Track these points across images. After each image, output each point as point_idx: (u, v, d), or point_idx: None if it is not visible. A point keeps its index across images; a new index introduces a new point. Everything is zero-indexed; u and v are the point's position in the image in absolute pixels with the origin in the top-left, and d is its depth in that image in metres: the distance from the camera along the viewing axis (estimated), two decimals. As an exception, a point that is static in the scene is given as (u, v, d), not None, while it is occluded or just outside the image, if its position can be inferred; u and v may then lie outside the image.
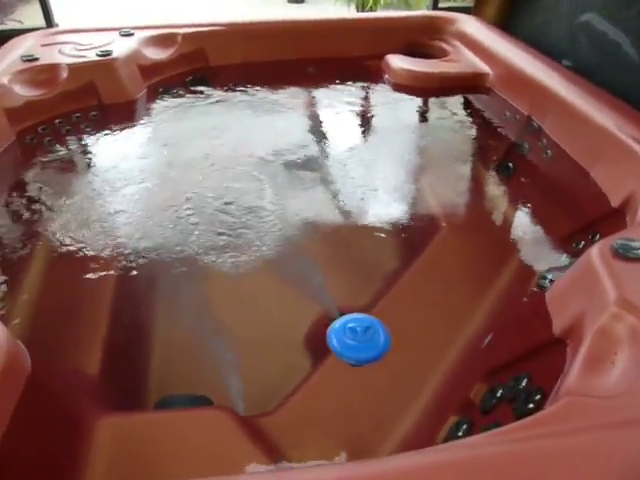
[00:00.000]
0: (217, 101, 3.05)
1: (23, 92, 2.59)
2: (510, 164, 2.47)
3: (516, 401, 1.32)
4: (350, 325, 1.61)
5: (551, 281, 1.76)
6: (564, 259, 1.88)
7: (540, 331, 1.47)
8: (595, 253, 1.39)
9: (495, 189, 2.40)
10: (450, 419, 1.42)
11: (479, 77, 2.99)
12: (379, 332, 1.60)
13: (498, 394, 1.40)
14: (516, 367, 1.44)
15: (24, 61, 2.71)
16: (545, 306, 1.53)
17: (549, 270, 1.83)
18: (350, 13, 7.32)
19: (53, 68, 2.72)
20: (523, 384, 1.36)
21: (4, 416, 1.13)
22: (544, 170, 2.36)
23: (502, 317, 1.72)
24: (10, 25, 4.88)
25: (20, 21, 6.66)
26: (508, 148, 2.57)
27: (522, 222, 2.17)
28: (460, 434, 1.37)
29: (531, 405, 1.27)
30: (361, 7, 7.14)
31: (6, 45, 2.90)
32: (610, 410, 0.95)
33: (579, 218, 2.00)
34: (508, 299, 1.80)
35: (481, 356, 1.60)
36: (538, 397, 1.27)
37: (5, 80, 2.52)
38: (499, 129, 2.72)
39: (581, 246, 1.88)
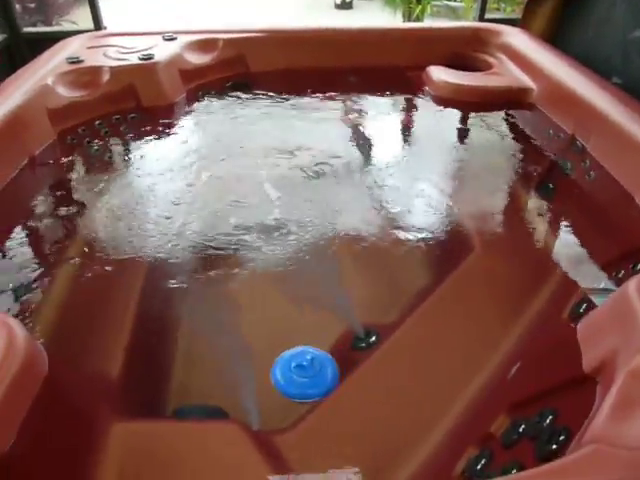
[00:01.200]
0: (256, 107, 3.06)
1: (66, 93, 2.66)
2: (551, 184, 2.38)
3: (539, 439, 1.26)
4: (295, 362, 1.52)
5: (586, 310, 1.68)
6: (602, 287, 1.79)
7: (570, 365, 1.40)
8: (633, 287, 1.31)
9: (534, 210, 2.31)
10: (469, 450, 1.36)
11: (523, 92, 2.90)
12: (327, 367, 1.53)
13: (520, 429, 1.33)
14: (542, 402, 1.37)
15: (69, 63, 2.78)
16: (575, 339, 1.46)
17: (585, 299, 1.74)
18: (395, 22, 7.28)
19: (96, 70, 2.78)
20: (548, 421, 1.29)
21: (19, 415, 1.14)
22: (586, 192, 2.27)
23: (531, 346, 1.64)
24: (64, 26, 5.06)
25: (74, 22, 6.90)
26: (550, 167, 2.47)
27: (559, 246, 2.08)
28: (478, 468, 1.31)
29: (554, 446, 1.20)
30: (407, 15, 7.07)
31: (54, 47, 2.98)
32: (637, 465, 0.88)
33: (621, 245, 1.90)
34: (539, 327, 1.71)
35: (506, 386, 1.53)
36: (562, 438, 1.21)
37: (49, 81, 2.58)
38: (541, 147, 2.63)
39: (621, 275, 1.79)
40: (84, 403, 1.41)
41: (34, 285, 1.77)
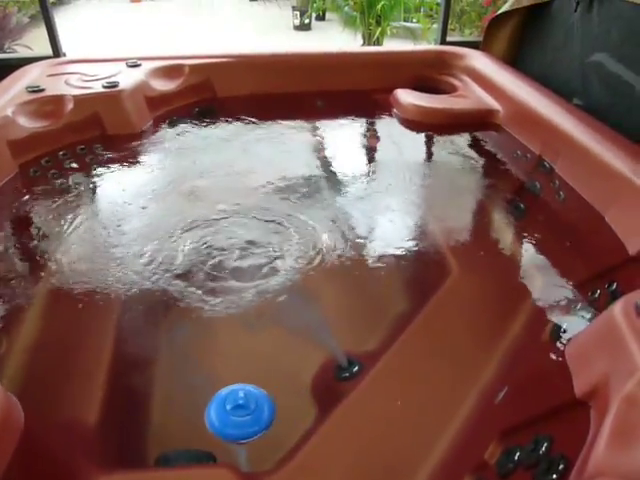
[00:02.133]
0: (223, 133, 3.03)
1: (27, 124, 2.56)
2: (521, 205, 2.41)
3: (537, 468, 1.25)
4: (230, 402, 1.46)
5: (565, 331, 1.69)
6: (579, 308, 1.82)
7: (560, 389, 1.40)
8: (618, 310, 1.33)
9: (506, 231, 2.34)
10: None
11: (489, 114, 2.97)
12: (262, 403, 1.48)
13: (515, 457, 1.32)
14: (535, 428, 1.36)
15: (29, 92, 2.69)
16: (564, 361, 1.47)
17: (563, 320, 1.76)
18: (354, 44, 7.39)
19: (58, 99, 2.70)
20: (543, 449, 1.28)
21: None
22: (557, 212, 2.31)
23: (517, 370, 1.64)
24: (19, 52, 4.93)
25: (28, 46, 6.74)
26: (519, 188, 2.52)
27: (534, 267, 2.09)
28: (475, 500, 1.29)
29: (554, 475, 1.19)
30: (367, 37, 7.19)
31: (12, 75, 2.89)
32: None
33: (594, 265, 1.93)
34: (522, 350, 1.71)
35: (496, 413, 1.52)
36: (561, 467, 1.20)
37: (9, 112, 2.49)
38: (509, 168, 2.68)
39: (597, 295, 1.82)
40: (63, 456, 1.33)
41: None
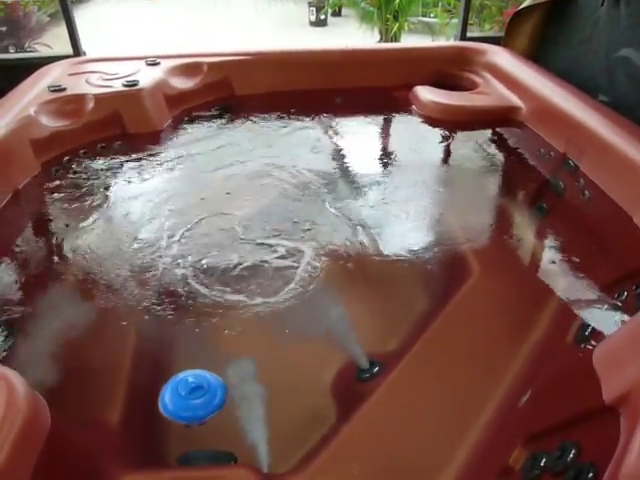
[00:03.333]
0: (242, 131, 3.02)
1: (49, 123, 2.58)
2: (544, 205, 2.37)
3: (564, 476, 1.22)
4: (182, 386, 1.49)
5: (591, 334, 1.66)
6: (605, 310, 1.78)
7: (587, 394, 1.37)
8: (652, 314, 1.30)
9: (529, 231, 2.30)
10: (488, 487, 1.32)
11: (511, 111, 2.92)
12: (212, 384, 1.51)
13: (542, 463, 1.29)
14: (561, 434, 1.34)
15: (51, 91, 2.71)
16: (591, 365, 1.43)
17: (589, 322, 1.72)
18: (371, 39, 7.34)
19: (80, 98, 2.71)
20: (571, 456, 1.26)
21: (25, 475, 1.08)
22: (582, 212, 2.26)
23: (541, 373, 1.61)
24: (40, 51, 4.98)
25: (48, 45, 6.81)
26: (542, 187, 2.47)
27: (558, 268, 2.05)
28: (500, 506, 1.27)
29: (584, 485, 1.17)
30: (384, 33, 7.13)
31: (34, 74, 2.91)
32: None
33: (621, 266, 1.89)
34: (546, 353, 1.69)
35: (520, 417, 1.50)
36: (591, 475, 1.17)
37: (32, 111, 2.51)
38: (532, 167, 2.63)
39: (624, 297, 1.78)
40: (88, 457, 1.34)
41: (21, 330, 1.69)
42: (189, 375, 1.53)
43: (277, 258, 2.03)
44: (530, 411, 1.49)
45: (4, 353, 1.60)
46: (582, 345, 1.62)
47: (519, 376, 1.60)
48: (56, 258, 2.03)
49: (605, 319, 1.73)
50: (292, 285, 1.89)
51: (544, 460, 1.28)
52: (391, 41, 7.01)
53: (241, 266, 1.98)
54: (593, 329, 1.67)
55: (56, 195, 2.35)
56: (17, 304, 1.80)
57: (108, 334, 1.73)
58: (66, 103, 2.68)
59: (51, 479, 1.18)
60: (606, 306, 1.78)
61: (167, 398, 1.47)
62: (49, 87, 2.73)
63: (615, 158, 2.15)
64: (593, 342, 1.60)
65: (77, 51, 3.46)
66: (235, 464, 1.37)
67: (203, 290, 1.86)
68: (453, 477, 1.37)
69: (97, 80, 2.87)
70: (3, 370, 1.21)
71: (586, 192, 2.28)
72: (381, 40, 7.21)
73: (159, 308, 1.79)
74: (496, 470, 1.35)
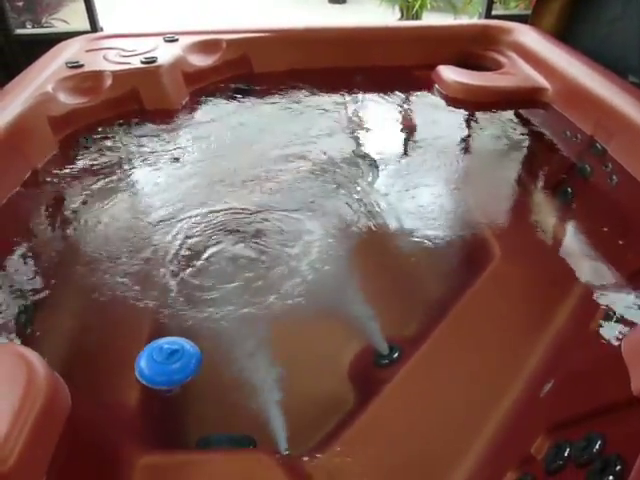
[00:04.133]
0: (260, 108, 2.98)
1: (67, 100, 2.56)
2: (569, 189, 2.31)
3: (590, 467, 1.19)
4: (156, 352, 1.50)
5: (617, 323, 1.62)
6: (632, 298, 1.73)
7: (614, 385, 1.34)
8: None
9: (553, 216, 2.25)
10: (508, 476, 1.30)
11: (537, 92, 2.83)
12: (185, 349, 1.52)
13: (565, 453, 1.26)
14: (587, 424, 1.30)
15: (69, 67, 2.68)
16: (619, 355, 1.39)
17: (615, 311, 1.68)
18: (391, 17, 7.19)
19: (97, 75, 2.68)
20: (597, 447, 1.22)
21: (46, 455, 1.09)
22: (609, 197, 2.20)
23: (566, 362, 1.58)
24: (57, 27, 4.94)
25: (65, 20, 6.75)
26: (568, 171, 2.41)
27: (583, 254, 2.00)
28: (522, 495, 1.25)
29: (610, 477, 1.14)
30: (406, 10, 6.98)
31: (52, 50, 2.89)
32: None
33: (648, 253, 1.84)
34: (571, 341, 1.65)
35: (543, 406, 1.47)
36: (618, 468, 1.14)
37: (50, 88, 2.49)
38: (558, 149, 2.56)
39: (649, 286, 1.73)
40: (108, 438, 1.34)
41: (39, 311, 1.69)
42: (164, 342, 1.53)
43: (286, 234, 2.01)
44: (554, 400, 1.46)
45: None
46: (609, 334, 1.58)
47: (542, 364, 1.57)
48: (74, 234, 2.03)
49: (633, 308, 1.69)
50: (305, 267, 1.87)
51: (568, 450, 1.25)
52: (412, 19, 6.86)
53: (245, 246, 1.96)
54: (620, 318, 1.63)
55: (75, 173, 2.34)
56: (36, 282, 1.79)
57: (126, 313, 1.72)
58: (84, 80, 2.66)
59: (72, 459, 1.18)
60: (633, 294, 1.73)
61: (143, 364, 1.48)
62: (67, 63, 2.71)
63: (645, 141, 2.09)
64: (620, 331, 1.56)
65: (94, 27, 3.42)
66: (254, 447, 1.37)
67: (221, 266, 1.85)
68: (472, 464, 1.35)
69: (115, 56, 2.84)
70: (24, 351, 1.21)
71: (614, 176, 2.21)
72: (402, 18, 7.06)
73: (177, 285, 1.79)
74: (517, 459, 1.33)
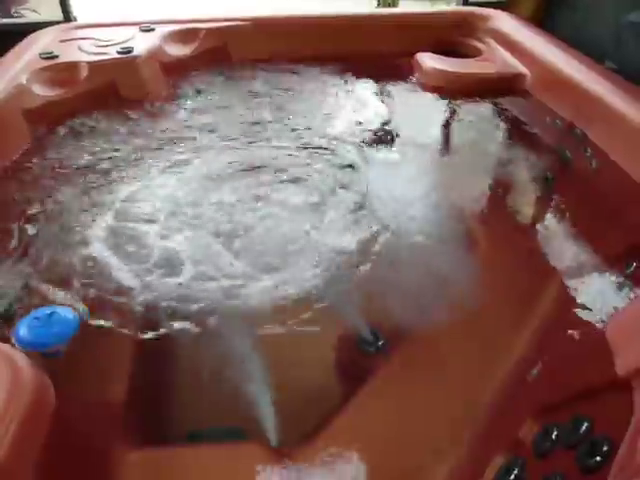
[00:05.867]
0: (240, 97, 2.94)
1: (42, 92, 2.50)
2: (550, 174, 2.33)
3: (578, 449, 1.21)
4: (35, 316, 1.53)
5: (600, 307, 1.64)
6: (615, 282, 1.76)
7: (599, 368, 1.36)
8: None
9: (535, 202, 2.27)
10: (496, 459, 1.31)
11: (516, 78, 2.85)
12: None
13: (553, 436, 1.28)
14: (573, 407, 1.33)
15: (43, 58, 2.61)
16: (603, 339, 1.42)
17: (598, 295, 1.70)
18: (369, 7, 7.16)
19: (73, 66, 2.62)
20: (584, 429, 1.25)
21: (33, 452, 1.09)
22: (589, 182, 2.23)
23: (550, 346, 1.60)
24: (27, 16, 4.80)
25: (35, 10, 6.57)
26: (548, 157, 2.43)
27: (566, 239, 2.01)
28: (511, 478, 1.27)
29: (598, 458, 1.16)
30: (382, -2, 6.95)
31: (24, 41, 2.81)
32: None
33: (630, 237, 1.87)
34: (555, 326, 1.68)
35: (530, 390, 1.49)
36: (605, 449, 1.16)
37: (24, 79, 2.42)
38: (537, 136, 2.58)
39: (632, 268, 1.76)
40: (95, 434, 1.32)
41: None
42: (37, 311, 1.56)
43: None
44: (540, 384, 1.48)
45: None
46: (592, 318, 1.60)
47: (528, 349, 1.60)
48: (59, 229, 1.98)
49: (615, 292, 1.71)
50: (295, 261, 1.87)
51: (556, 433, 1.27)
52: (388, 7, 6.84)
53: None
54: (603, 302, 1.65)
55: (50, 166, 2.28)
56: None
57: (113, 305, 1.69)
58: (59, 71, 2.59)
59: (59, 457, 1.17)
60: (615, 278, 1.76)
61: (22, 332, 1.48)
62: (40, 54, 2.64)
63: (624, 126, 2.11)
64: (604, 314, 1.59)
65: (68, 16, 3.34)
66: (244, 440, 1.37)
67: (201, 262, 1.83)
68: (461, 449, 1.37)
69: (90, 47, 2.77)
70: (7, 349, 1.19)
71: (594, 161, 2.24)
72: (379, 6, 7.02)
73: (161, 284, 1.76)
74: (506, 443, 1.34)
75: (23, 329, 1.48)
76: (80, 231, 1.97)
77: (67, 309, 1.58)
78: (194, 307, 1.68)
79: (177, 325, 1.63)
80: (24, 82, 2.42)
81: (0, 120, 2.22)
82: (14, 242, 1.90)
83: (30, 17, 5.05)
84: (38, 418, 1.13)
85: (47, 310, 1.55)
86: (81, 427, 1.32)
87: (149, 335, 1.59)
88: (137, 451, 1.31)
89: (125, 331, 1.59)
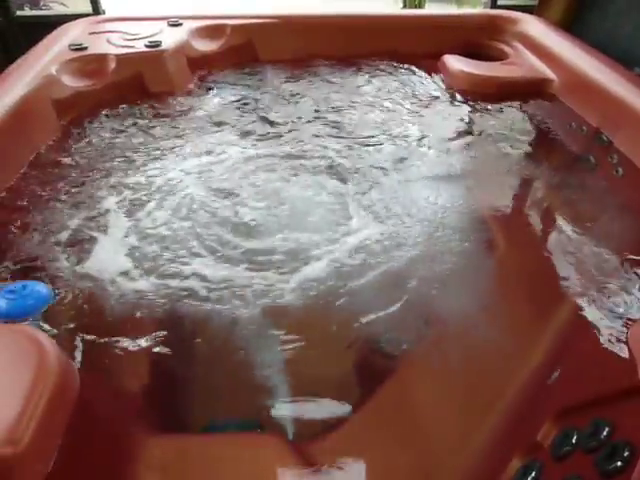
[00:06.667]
0: (264, 94, 2.96)
1: (71, 82, 2.54)
2: (574, 180, 2.30)
3: (598, 453, 1.20)
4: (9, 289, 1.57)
5: (623, 312, 1.63)
6: (637, 288, 1.74)
7: (621, 373, 1.35)
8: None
9: (558, 207, 2.24)
10: (514, 462, 1.31)
11: (543, 83, 2.82)
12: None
13: (573, 439, 1.27)
14: (593, 411, 1.31)
15: (72, 50, 2.65)
16: (626, 344, 1.40)
17: (621, 300, 1.69)
18: (394, 6, 7.13)
19: (101, 58, 2.66)
20: (605, 433, 1.23)
21: (57, 435, 1.11)
22: (613, 189, 2.20)
23: (572, 349, 1.59)
24: (56, 9, 4.87)
25: (63, 3, 6.64)
26: (573, 162, 2.41)
27: (588, 244, 2.00)
28: (529, 480, 1.26)
29: (619, 463, 1.15)
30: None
31: (54, 32, 2.85)
32: None
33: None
34: (577, 329, 1.66)
35: (550, 393, 1.48)
36: (627, 454, 1.15)
37: (53, 70, 2.46)
38: (563, 141, 2.55)
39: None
40: (116, 420, 1.35)
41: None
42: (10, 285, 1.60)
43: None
44: (560, 387, 1.47)
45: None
46: (616, 323, 1.59)
47: (548, 351, 1.58)
48: (84, 218, 2.01)
49: (637, 297, 1.70)
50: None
51: (575, 437, 1.26)
52: (414, 8, 6.81)
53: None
54: (626, 308, 1.64)
55: (79, 156, 2.32)
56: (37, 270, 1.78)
57: (134, 298, 1.71)
58: (88, 63, 2.63)
59: (81, 440, 1.19)
60: (638, 284, 1.74)
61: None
62: (70, 46, 2.68)
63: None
64: (627, 319, 1.57)
65: (97, 9, 3.39)
66: (260, 432, 1.38)
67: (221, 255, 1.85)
68: (479, 451, 1.36)
69: (118, 40, 2.81)
70: (35, 333, 1.21)
71: (619, 169, 2.21)
72: (404, 7, 6.99)
73: (183, 274, 1.78)
74: (524, 445, 1.33)
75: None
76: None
77: (41, 284, 1.62)
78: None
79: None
80: (54, 73, 2.46)
81: (31, 110, 2.26)
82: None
83: (58, 9, 5.13)
84: (62, 402, 1.15)
85: (20, 284, 1.59)
86: (102, 412, 1.34)
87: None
88: (157, 438, 1.32)
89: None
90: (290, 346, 1.58)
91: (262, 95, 2.93)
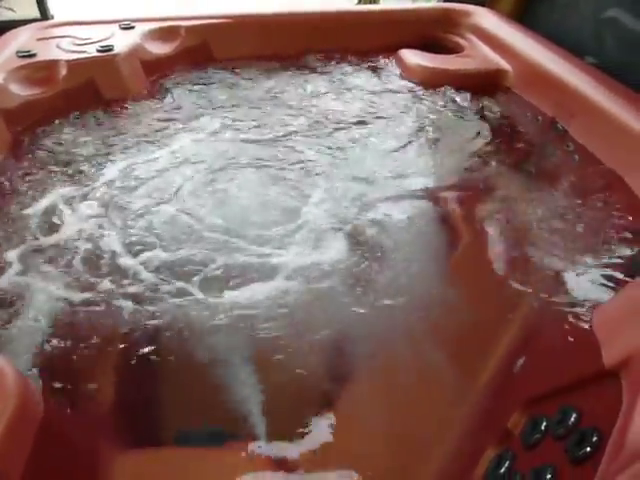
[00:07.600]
0: (221, 95, 2.92)
1: (20, 91, 2.45)
2: (532, 169, 2.35)
3: (567, 440, 1.22)
4: None
5: (585, 297, 1.66)
6: (599, 273, 1.78)
7: (585, 358, 1.37)
8: (651, 278, 1.29)
9: (517, 196, 2.28)
10: (488, 452, 1.32)
11: (498, 74, 2.87)
12: None
13: (542, 427, 1.29)
14: (560, 398, 1.34)
15: (20, 57, 2.56)
16: (589, 330, 1.43)
17: (583, 286, 1.72)
18: (350, 3, 7.14)
19: (51, 65, 2.57)
20: (572, 420, 1.26)
21: (21, 458, 1.08)
22: (571, 176, 2.25)
23: (537, 338, 1.62)
24: (2, 15, 4.70)
25: (11, 8, 6.43)
26: (530, 151, 2.45)
27: (549, 232, 2.04)
28: (502, 471, 1.27)
29: (588, 449, 1.17)
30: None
31: (1, 40, 2.75)
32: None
33: (612, 228, 1.89)
34: (541, 317, 1.69)
35: (517, 382, 1.50)
36: (595, 439, 1.17)
37: (1, 79, 2.37)
38: (519, 131, 2.60)
39: (616, 258, 1.78)
40: (82, 438, 1.31)
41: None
42: None
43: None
44: (528, 375, 1.50)
45: None
46: (578, 309, 1.62)
47: (515, 340, 1.61)
48: (41, 230, 1.96)
49: (599, 283, 1.73)
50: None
51: (544, 424, 1.28)
52: (369, 3, 6.83)
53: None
54: (588, 293, 1.67)
55: (30, 167, 2.24)
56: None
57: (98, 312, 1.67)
58: (37, 70, 2.54)
59: (47, 462, 1.15)
60: (599, 270, 1.78)
61: None
62: (17, 53, 2.58)
63: (604, 121, 2.13)
64: (587, 306, 1.60)
65: (45, 14, 3.28)
66: (232, 439, 1.37)
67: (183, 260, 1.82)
68: (453, 442, 1.38)
69: (68, 45, 2.72)
70: (-11, 356, 1.16)
71: (575, 156, 2.26)
72: (360, 2, 7.01)
73: (144, 282, 1.74)
74: (495, 435, 1.35)
75: None
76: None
77: None
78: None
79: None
80: (1, 81, 2.37)
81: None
82: None
83: (5, 15, 4.95)
84: (25, 424, 1.11)
85: None
86: (68, 432, 1.30)
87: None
88: (126, 454, 1.30)
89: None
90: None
91: (220, 97, 2.90)
